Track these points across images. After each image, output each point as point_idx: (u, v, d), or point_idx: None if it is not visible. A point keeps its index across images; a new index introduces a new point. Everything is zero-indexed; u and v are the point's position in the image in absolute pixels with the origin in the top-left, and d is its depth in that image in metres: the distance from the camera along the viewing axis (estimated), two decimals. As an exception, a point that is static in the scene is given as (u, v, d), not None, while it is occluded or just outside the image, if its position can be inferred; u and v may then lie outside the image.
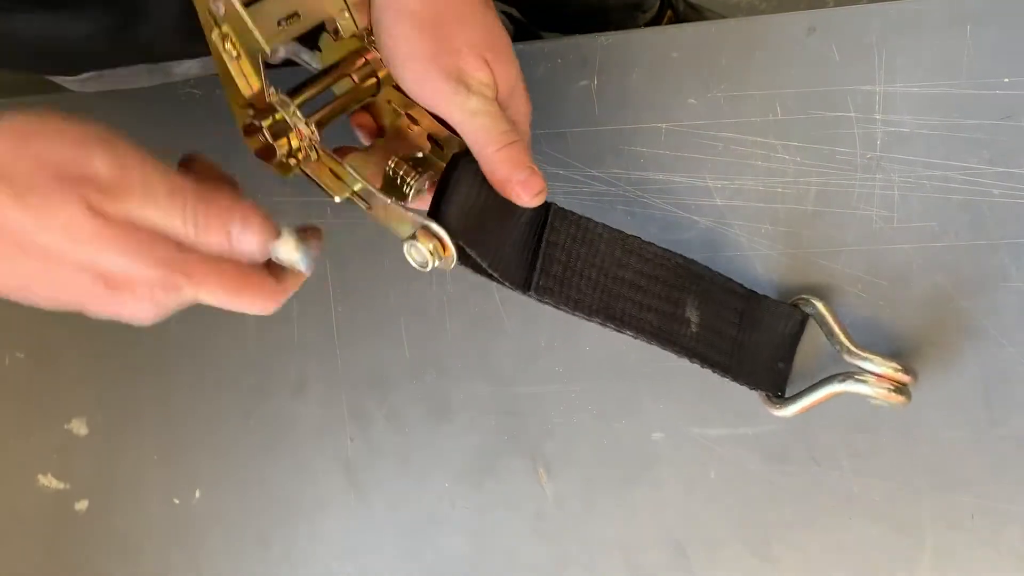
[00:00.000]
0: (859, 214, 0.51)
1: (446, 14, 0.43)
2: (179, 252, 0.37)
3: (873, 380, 0.47)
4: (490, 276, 0.45)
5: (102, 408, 0.71)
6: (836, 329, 0.49)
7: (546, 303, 0.47)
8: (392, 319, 0.62)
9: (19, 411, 0.74)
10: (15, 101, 0.72)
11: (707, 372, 0.49)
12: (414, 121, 0.48)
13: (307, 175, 0.45)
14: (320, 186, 0.45)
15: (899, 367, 0.47)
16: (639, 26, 0.92)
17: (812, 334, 0.52)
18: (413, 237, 0.42)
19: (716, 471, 0.54)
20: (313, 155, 0.44)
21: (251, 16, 0.40)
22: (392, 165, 0.46)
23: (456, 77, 0.43)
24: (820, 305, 0.49)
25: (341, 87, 0.47)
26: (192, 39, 0.44)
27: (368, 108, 0.49)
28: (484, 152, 0.43)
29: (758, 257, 0.53)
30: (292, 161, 0.45)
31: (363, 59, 0.47)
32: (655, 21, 0.94)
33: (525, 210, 0.46)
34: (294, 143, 0.44)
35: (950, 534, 0.50)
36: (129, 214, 0.35)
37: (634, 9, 0.91)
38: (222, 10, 0.40)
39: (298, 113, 0.43)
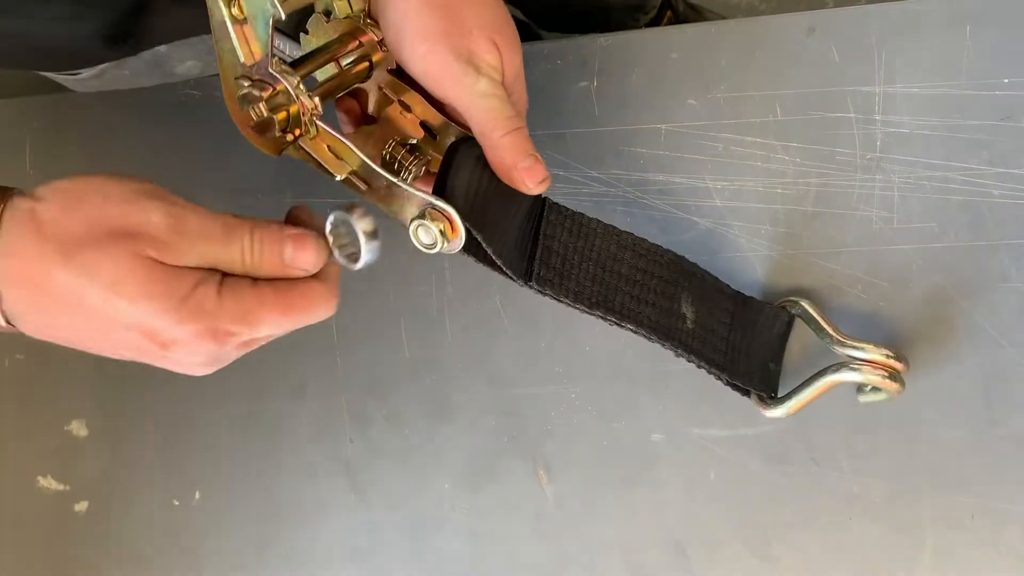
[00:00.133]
0: (859, 215, 0.51)
1: None
2: (219, 303, 0.37)
3: (866, 368, 0.47)
4: (492, 264, 0.44)
5: (102, 410, 0.71)
6: (823, 324, 0.49)
7: (546, 295, 0.47)
8: (392, 320, 0.62)
9: (19, 413, 0.74)
10: (15, 101, 0.72)
11: (706, 373, 0.49)
12: (406, 108, 0.46)
13: (304, 154, 0.44)
14: (318, 164, 0.44)
15: (891, 353, 0.47)
16: (639, 27, 0.92)
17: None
18: (421, 216, 0.41)
19: (716, 471, 0.54)
20: (313, 130, 0.43)
21: None
22: (389, 150, 0.45)
23: (467, 58, 0.42)
24: (806, 304, 0.50)
25: (328, 71, 0.45)
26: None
27: (355, 94, 0.47)
28: (491, 137, 0.43)
29: (758, 258, 0.53)
30: (289, 137, 0.43)
31: (357, 41, 0.45)
32: (655, 22, 0.94)
33: (523, 201, 0.45)
34: (292, 116, 0.42)
35: (950, 534, 0.50)
36: (188, 257, 0.36)
37: (635, 10, 0.91)
38: None
39: (301, 85, 0.42)
